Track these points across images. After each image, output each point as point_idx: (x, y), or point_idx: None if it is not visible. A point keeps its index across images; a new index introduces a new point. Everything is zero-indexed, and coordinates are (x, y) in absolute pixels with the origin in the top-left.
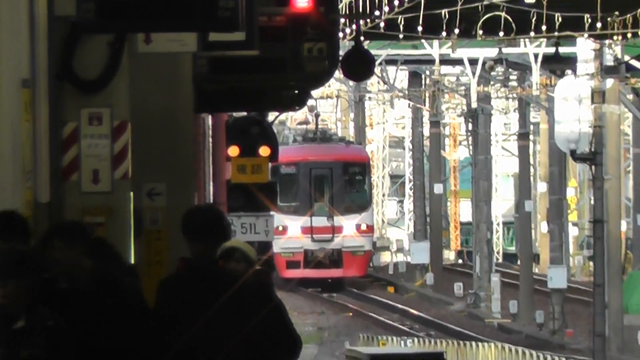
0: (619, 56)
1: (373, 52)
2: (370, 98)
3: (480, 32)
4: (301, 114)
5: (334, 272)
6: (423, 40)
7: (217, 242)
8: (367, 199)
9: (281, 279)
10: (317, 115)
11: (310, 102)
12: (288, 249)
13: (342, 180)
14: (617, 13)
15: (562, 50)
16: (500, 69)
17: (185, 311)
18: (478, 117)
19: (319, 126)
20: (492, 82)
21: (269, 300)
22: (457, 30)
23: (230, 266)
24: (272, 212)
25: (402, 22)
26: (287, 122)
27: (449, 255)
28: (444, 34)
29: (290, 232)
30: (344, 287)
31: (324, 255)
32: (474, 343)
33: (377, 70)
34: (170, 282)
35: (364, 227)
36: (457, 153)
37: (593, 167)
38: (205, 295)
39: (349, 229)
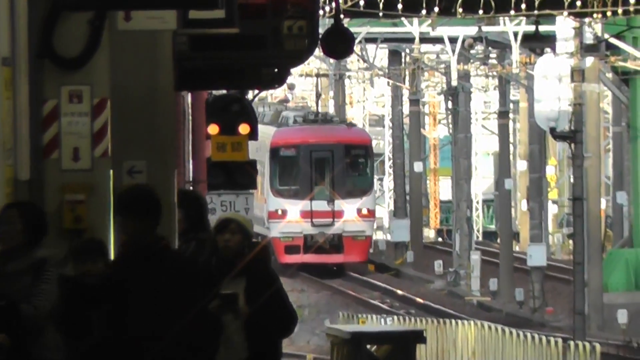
0: (599, 34)
1: (353, 30)
2: (350, 76)
3: (460, 10)
4: (281, 91)
5: (335, 257)
6: (403, 18)
7: (147, 218)
8: (369, 183)
9: (280, 265)
10: (318, 96)
11: (289, 79)
12: (287, 233)
13: (344, 163)
14: None
15: (542, 28)
16: (480, 47)
17: (127, 292)
18: (458, 95)
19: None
20: (471, 61)
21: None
22: (436, 8)
23: (225, 238)
24: (251, 190)
25: (382, 0)
26: (267, 99)
27: (429, 234)
28: (423, 12)
29: (290, 216)
30: (345, 273)
31: (324, 240)
32: (453, 321)
33: (356, 48)
34: (114, 264)
35: (365, 211)
36: (436, 131)
37: (573, 145)
38: (147, 275)
39: (350, 213)
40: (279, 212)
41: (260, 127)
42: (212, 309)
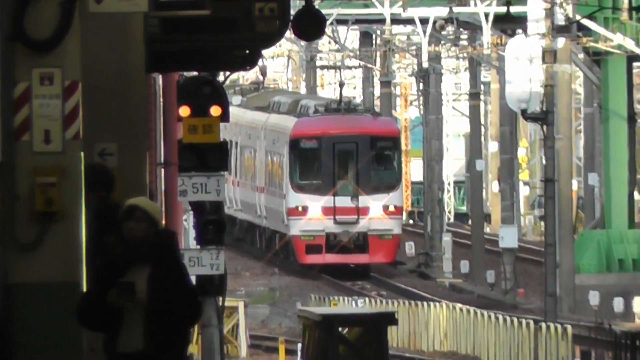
0: (570, 15)
1: (324, 11)
2: (321, 58)
3: None
4: (252, 73)
5: (359, 257)
6: (374, 0)
7: None
8: (397, 177)
9: (300, 265)
10: (341, 85)
11: (261, 61)
12: (308, 231)
13: (369, 156)
14: None
15: (513, 9)
16: (451, 29)
17: None
18: (429, 77)
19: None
20: (443, 42)
21: None
22: None
23: (130, 225)
24: (223, 172)
25: None
26: (239, 81)
27: None
28: None
29: (311, 212)
30: (369, 274)
31: (348, 239)
32: (425, 303)
33: (328, 30)
34: None
35: (392, 208)
36: (408, 113)
37: (544, 126)
38: None
39: (375, 210)
40: (300, 208)
41: (277, 117)
42: (110, 298)
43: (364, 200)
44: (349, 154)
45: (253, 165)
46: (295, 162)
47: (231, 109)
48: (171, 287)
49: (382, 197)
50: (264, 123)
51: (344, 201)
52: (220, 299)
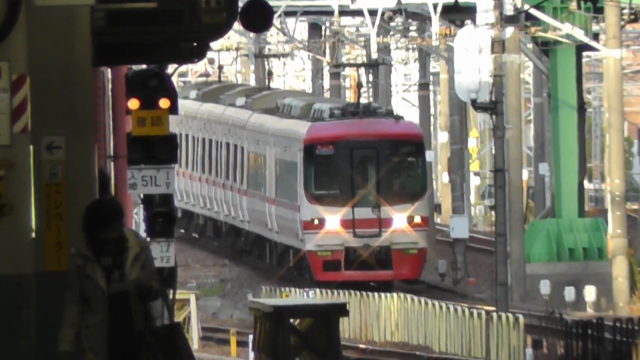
0: (519, 5)
1: (272, 3)
2: (270, 50)
3: None
4: (201, 66)
5: (382, 274)
6: None
7: None
8: (422, 185)
9: (317, 283)
10: (359, 86)
11: (209, 54)
12: (325, 246)
13: (391, 163)
14: None
15: (462, 0)
16: (399, 20)
17: None
18: (378, 68)
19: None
20: (391, 33)
21: None
22: None
23: None
24: (172, 165)
25: None
26: (188, 74)
27: None
28: None
29: (328, 225)
30: (393, 290)
31: (368, 254)
32: (376, 294)
33: (276, 21)
34: None
35: (417, 219)
36: None
37: (494, 116)
38: None
39: (399, 222)
40: (316, 221)
41: (288, 121)
42: None
43: (386, 211)
44: (368, 161)
45: (262, 174)
46: (310, 170)
47: (234, 110)
48: None
49: (407, 207)
50: (273, 128)
51: (364, 212)
52: (171, 291)
